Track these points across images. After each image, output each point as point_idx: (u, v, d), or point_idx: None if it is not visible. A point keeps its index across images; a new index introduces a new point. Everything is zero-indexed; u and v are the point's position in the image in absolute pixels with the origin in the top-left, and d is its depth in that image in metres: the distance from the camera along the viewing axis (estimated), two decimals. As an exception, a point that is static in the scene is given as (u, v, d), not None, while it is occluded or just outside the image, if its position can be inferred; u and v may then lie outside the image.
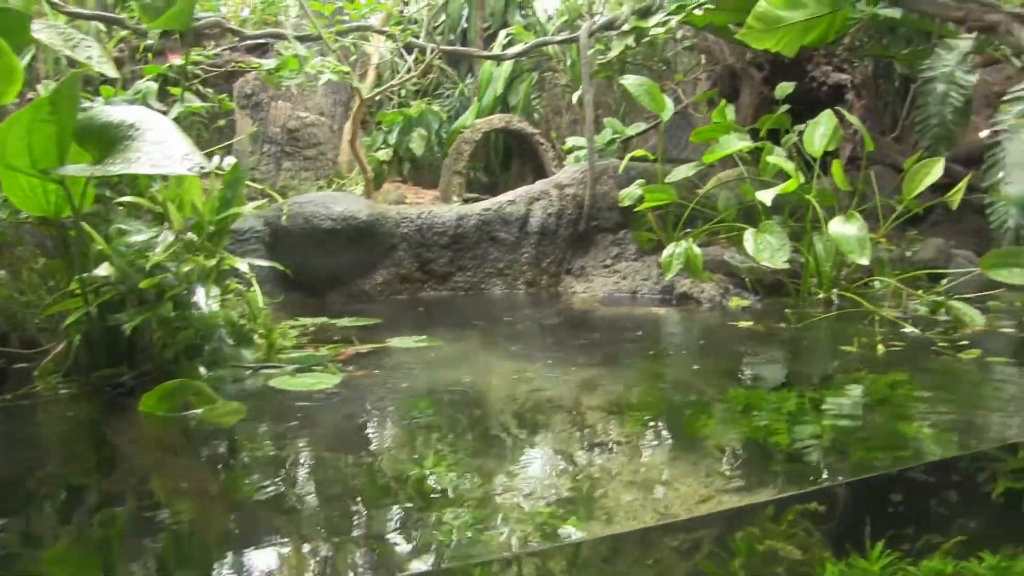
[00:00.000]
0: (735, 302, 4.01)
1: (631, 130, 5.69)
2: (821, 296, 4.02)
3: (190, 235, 2.75)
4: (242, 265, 2.87)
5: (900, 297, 3.87)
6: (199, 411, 2.38)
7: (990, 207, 4.91)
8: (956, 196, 3.79)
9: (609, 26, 5.00)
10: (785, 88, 4.78)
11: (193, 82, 4.83)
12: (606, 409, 2.37)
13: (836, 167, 4.05)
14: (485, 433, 2.21)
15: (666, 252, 4.14)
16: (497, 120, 6.06)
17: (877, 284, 3.98)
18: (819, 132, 4.27)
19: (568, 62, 6.58)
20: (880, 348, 3.09)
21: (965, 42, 5.53)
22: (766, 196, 3.81)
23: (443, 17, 8.05)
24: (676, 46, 5.97)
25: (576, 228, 4.63)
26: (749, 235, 3.90)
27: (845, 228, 3.60)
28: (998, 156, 5.08)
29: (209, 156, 3.00)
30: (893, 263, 4.57)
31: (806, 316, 3.67)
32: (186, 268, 2.65)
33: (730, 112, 4.83)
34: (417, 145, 5.89)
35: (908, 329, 3.37)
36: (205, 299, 2.68)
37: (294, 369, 2.84)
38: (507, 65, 6.48)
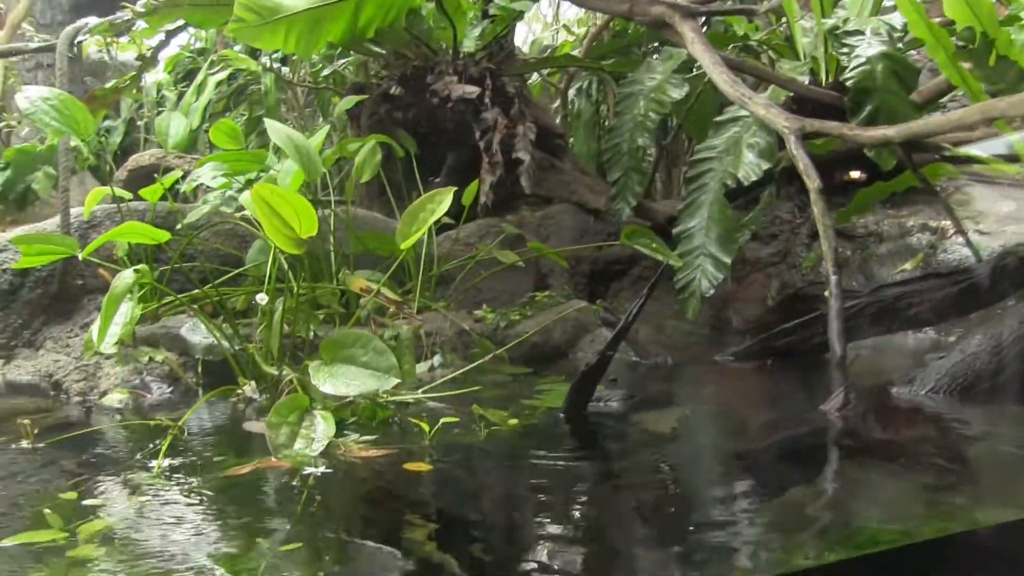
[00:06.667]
0: (115, 396, 2.72)
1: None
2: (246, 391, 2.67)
3: None
4: None
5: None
6: None
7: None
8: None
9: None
10: (347, 102, 3.52)
11: None
12: None
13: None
14: None
15: (97, 323, 2.90)
16: (147, 157, 5.01)
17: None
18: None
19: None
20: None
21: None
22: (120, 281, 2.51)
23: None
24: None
25: (48, 288, 3.44)
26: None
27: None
28: (696, 196, 3.65)
29: None
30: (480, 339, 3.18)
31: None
32: None
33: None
34: (42, 186, 4.88)
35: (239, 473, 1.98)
36: None
37: None
38: (207, 95, 5.42)
